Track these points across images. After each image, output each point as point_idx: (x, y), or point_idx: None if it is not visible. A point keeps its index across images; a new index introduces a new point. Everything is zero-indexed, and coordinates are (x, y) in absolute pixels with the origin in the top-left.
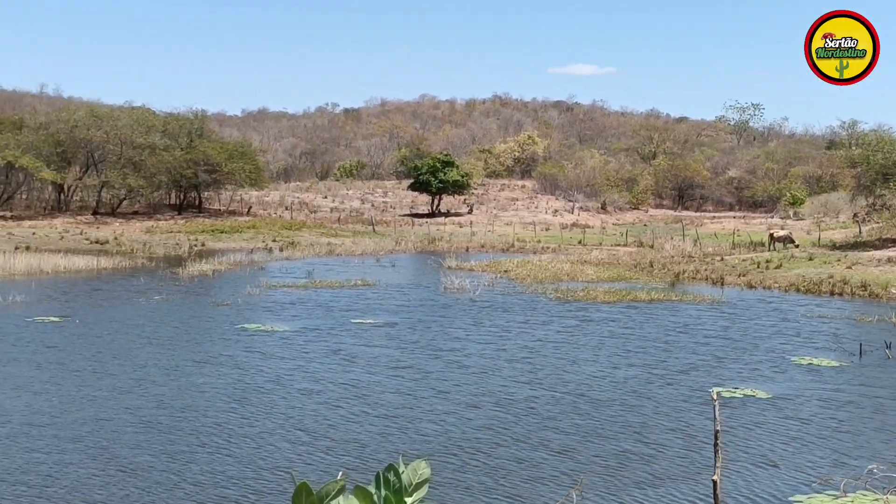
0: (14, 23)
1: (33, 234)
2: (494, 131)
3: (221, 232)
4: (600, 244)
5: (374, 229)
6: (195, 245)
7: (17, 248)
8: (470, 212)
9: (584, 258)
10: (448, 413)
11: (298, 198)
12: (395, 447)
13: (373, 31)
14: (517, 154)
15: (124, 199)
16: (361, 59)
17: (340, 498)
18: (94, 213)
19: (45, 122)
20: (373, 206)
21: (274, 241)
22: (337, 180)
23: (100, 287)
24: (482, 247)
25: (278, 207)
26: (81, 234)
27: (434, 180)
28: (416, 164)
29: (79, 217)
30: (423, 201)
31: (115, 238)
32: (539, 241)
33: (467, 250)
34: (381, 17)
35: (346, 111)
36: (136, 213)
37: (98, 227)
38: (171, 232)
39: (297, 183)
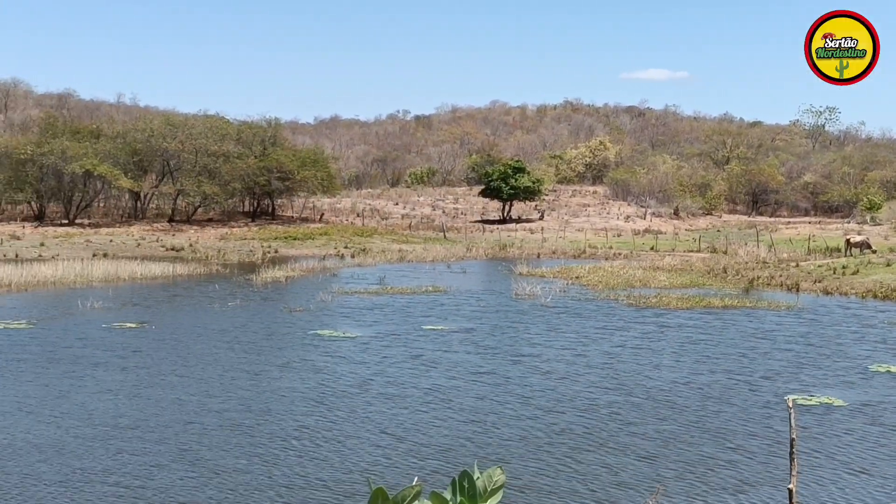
0: (92, 33)
1: (110, 241)
2: (566, 137)
3: (294, 239)
4: (673, 250)
5: (445, 236)
6: (268, 252)
7: (94, 255)
8: (541, 218)
9: (657, 264)
10: (529, 417)
11: (370, 204)
12: (477, 451)
13: (443, 38)
14: (588, 160)
15: (199, 206)
16: (432, 66)
17: (416, 503)
18: (170, 220)
19: (122, 131)
20: (444, 212)
21: (346, 247)
22: (408, 187)
23: (176, 293)
24: (553, 253)
25: (350, 214)
26: (157, 241)
27: (505, 186)
28: (487, 171)
29: (155, 224)
30: (494, 207)
31: (191, 245)
32: (611, 247)
33: (538, 256)
34: (452, 23)
35: (418, 118)
36: (210, 220)
37: (173, 235)
38: (245, 239)
39: (369, 190)
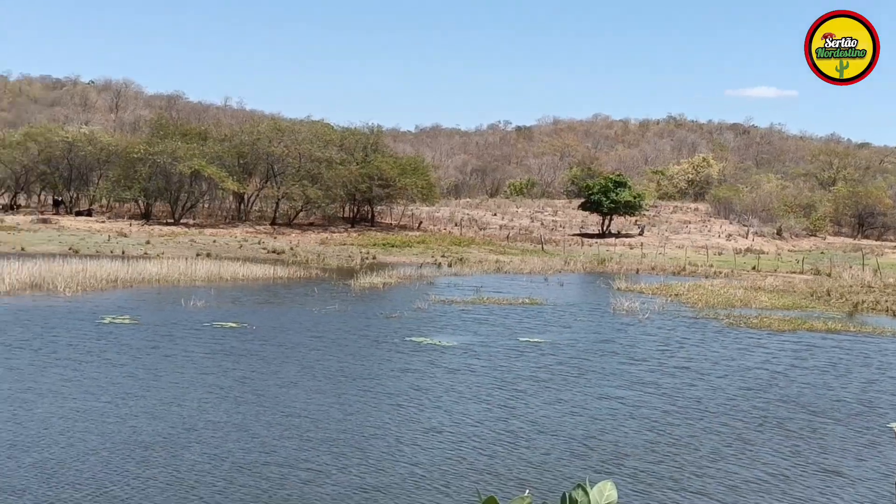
0: (201, 37)
1: (214, 241)
2: (668, 152)
3: (392, 246)
4: (775, 271)
5: (543, 248)
6: (367, 258)
7: (198, 255)
8: (641, 233)
9: (758, 284)
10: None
11: (468, 214)
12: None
13: (547, 49)
14: (691, 176)
15: (301, 210)
16: (535, 78)
17: None
18: (272, 223)
19: (229, 134)
20: (542, 224)
21: (443, 256)
22: (507, 198)
23: (275, 295)
24: (653, 269)
25: (448, 223)
26: (259, 243)
27: (605, 200)
28: (588, 184)
29: (257, 227)
30: (593, 221)
31: (291, 248)
32: (711, 266)
33: (637, 272)
34: (556, 35)
35: (519, 129)
36: (311, 224)
37: (275, 238)
38: (345, 244)
39: (468, 199)
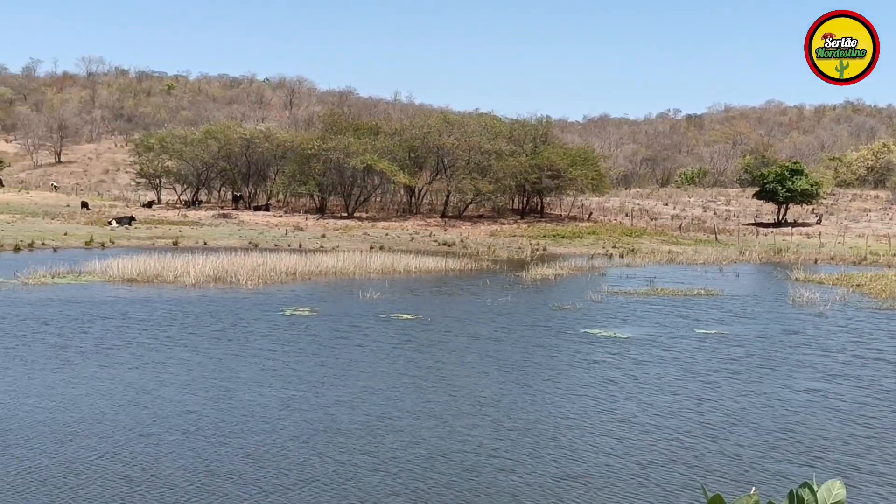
0: (372, 35)
1: (386, 234)
2: (845, 139)
3: (562, 237)
4: None
5: (716, 238)
6: (537, 249)
7: (371, 248)
8: (818, 222)
9: None
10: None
11: (639, 204)
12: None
13: (716, 35)
14: (870, 163)
15: (471, 202)
16: (704, 65)
17: None
18: (442, 215)
19: (399, 129)
20: (715, 214)
21: (614, 247)
22: (678, 187)
23: (449, 287)
24: (832, 259)
25: (618, 214)
26: (430, 235)
27: (781, 189)
28: (762, 172)
29: (428, 219)
30: (767, 210)
31: (461, 240)
32: (894, 255)
33: (816, 262)
34: (724, 21)
35: (689, 117)
36: (480, 216)
37: (445, 230)
38: (514, 236)
39: (638, 189)
